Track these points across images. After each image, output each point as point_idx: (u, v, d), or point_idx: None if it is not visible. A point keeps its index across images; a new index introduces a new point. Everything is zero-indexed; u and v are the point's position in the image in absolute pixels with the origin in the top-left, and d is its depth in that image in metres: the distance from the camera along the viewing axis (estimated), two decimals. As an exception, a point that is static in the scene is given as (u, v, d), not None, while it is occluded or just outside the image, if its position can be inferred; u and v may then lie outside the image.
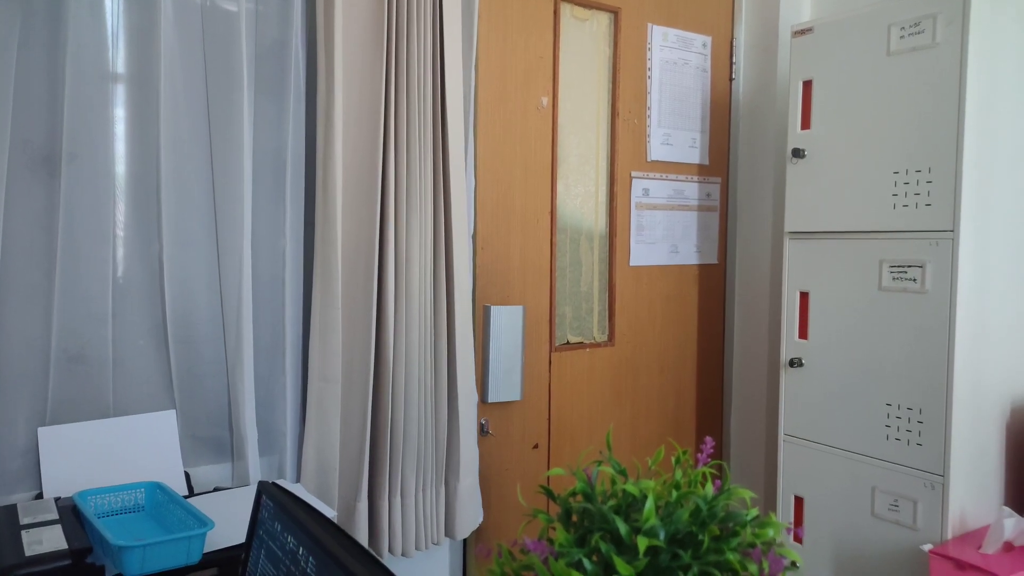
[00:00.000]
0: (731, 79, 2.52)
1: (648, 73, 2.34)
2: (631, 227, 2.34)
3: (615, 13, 2.27)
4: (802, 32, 1.97)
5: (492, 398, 2.06)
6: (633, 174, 2.33)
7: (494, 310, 2.04)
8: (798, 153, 1.96)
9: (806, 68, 1.96)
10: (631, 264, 2.34)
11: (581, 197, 2.26)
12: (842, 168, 1.88)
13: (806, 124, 1.97)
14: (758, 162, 2.47)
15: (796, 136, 1.98)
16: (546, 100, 2.15)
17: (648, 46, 2.34)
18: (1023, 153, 1.78)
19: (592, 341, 2.30)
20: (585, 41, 2.24)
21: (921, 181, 1.72)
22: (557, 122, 2.18)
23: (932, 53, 1.70)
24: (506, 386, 2.08)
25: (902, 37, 1.75)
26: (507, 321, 2.06)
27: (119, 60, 1.59)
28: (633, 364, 2.37)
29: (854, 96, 1.85)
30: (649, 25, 2.34)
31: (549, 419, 2.21)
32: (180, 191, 1.65)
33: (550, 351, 2.20)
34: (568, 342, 2.26)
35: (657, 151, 2.38)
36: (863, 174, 1.83)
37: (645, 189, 2.37)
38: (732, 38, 2.52)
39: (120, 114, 1.60)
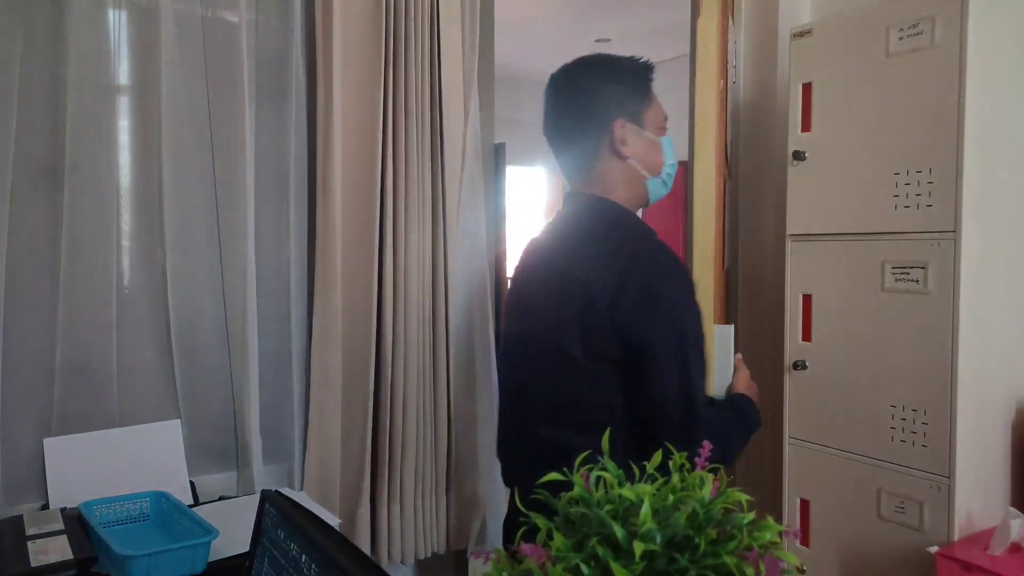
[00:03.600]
0: (732, 81, 2.52)
1: (730, 62, 2.18)
2: None
3: None
4: (801, 34, 1.97)
5: None
6: None
7: (725, 330, 1.62)
8: (799, 155, 1.96)
9: (806, 70, 1.96)
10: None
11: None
12: (843, 170, 1.87)
13: (806, 126, 1.96)
14: (759, 164, 2.47)
15: (797, 138, 1.98)
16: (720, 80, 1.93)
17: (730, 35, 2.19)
18: (1024, 152, 1.78)
19: None
20: (711, 22, 2.07)
21: (922, 182, 1.71)
22: (727, 103, 1.93)
23: (931, 54, 1.69)
24: None
25: (901, 38, 1.75)
26: (728, 343, 1.63)
27: (121, 72, 1.60)
28: None
29: (854, 98, 1.85)
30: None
31: None
32: (183, 201, 1.66)
33: None
34: None
35: None
36: (864, 176, 1.83)
37: None
38: (733, 40, 2.52)
39: (123, 125, 1.61)
